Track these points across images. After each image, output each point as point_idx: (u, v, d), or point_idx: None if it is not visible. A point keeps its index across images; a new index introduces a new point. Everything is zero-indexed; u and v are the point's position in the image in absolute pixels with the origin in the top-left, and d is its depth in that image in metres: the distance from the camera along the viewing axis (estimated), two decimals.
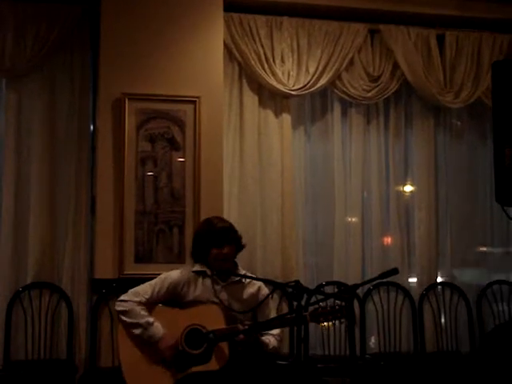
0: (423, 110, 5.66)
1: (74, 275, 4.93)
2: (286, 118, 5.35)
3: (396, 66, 5.48)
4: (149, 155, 4.88)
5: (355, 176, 5.50)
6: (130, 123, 4.84)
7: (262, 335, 3.62)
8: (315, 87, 5.32)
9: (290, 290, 4.72)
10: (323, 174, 5.53)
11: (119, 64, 4.87)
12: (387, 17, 5.43)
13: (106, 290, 4.73)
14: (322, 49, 5.34)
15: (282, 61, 5.28)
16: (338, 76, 5.38)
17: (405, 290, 5.42)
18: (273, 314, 3.79)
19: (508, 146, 3.45)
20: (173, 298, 3.70)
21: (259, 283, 3.80)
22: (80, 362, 4.81)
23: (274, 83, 5.24)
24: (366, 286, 5.27)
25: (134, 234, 4.80)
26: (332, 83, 5.40)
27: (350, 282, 5.17)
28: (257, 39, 5.23)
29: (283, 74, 5.27)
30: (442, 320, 5.49)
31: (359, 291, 5.24)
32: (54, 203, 4.97)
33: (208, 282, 3.70)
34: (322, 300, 3.45)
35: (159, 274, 3.80)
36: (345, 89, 5.41)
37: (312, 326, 5.07)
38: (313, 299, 4.54)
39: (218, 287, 3.69)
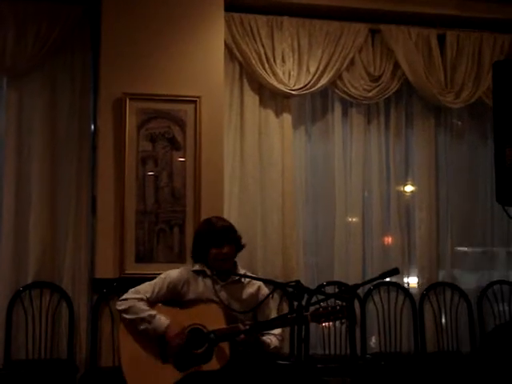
0: (424, 110, 5.66)
1: (75, 275, 4.93)
2: (287, 117, 5.35)
3: (397, 65, 5.48)
4: (149, 155, 4.88)
5: (356, 176, 5.50)
6: (130, 123, 4.85)
7: (263, 335, 3.62)
8: (316, 87, 5.32)
9: (291, 289, 4.72)
10: (324, 174, 5.53)
11: (120, 64, 4.87)
12: (388, 17, 5.43)
13: (107, 290, 4.74)
14: (322, 49, 5.34)
15: (283, 61, 5.28)
16: (338, 76, 5.38)
17: (405, 290, 5.42)
18: (273, 314, 3.79)
19: (509, 146, 3.45)
20: (173, 297, 3.70)
21: (259, 283, 3.80)
22: (81, 361, 4.81)
23: (275, 83, 5.24)
24: (367, 286, 5.27)
25: (134, 234, 4.80)
26: (333, 83, 5.40)
27: (351, 282, 5.16)
28: (257, 39, 5.23)
29: (284, 73, 5.27)
30: (443, 320, 5.49)
31: (360, 291, 5.24)
32: (54, 203, 4.98)
33: (208, 281, 3.70)
34: (322, 300, 3.46)
35: (160, 274, 3.79)
36: (345, 89, 5.41)
37: (312, 325, 5.08)
38: (313, 299, 4.53)
39: (217, 287, 3.69)
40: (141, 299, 3.64)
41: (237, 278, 3.74)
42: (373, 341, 5.40)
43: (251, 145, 5.27)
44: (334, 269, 5.40)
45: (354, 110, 5.55)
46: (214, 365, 3.47)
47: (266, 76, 5.22)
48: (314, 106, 5.55)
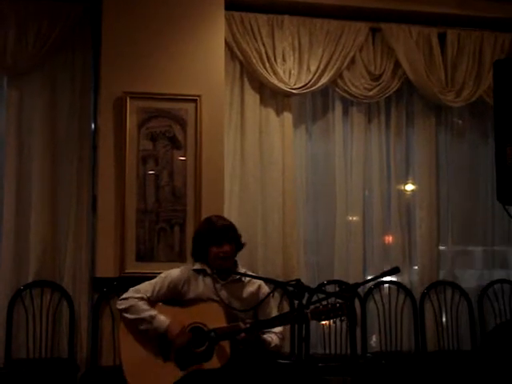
0: (424, 109, 5.66)
1: (76, 274, 4.93)
2: (288, 116, 5.35)
3: (397, 64, 5.48)
4: (150, 154, 4.88)
5: (356, 175, 5.50)
6: (131, 122, 4.84)
7: (264, 333, 3.62)
8: (316, 86, 5.32)
9: (291, 288, 4.72)
10: (324, 173, 5.53)
11: (120, 63, 4.87)
12: (389, 15, 5.43)
13: (108, 289, 4.74)
14: (323, 47, 5.34)
15: (284, 59, 5.28)
16: (339, 75, 5.38)
17: (406, 289, 5.42)
18: (274, 313, 3.79)
19: (509, 145, 3.45)
20: (173, 296, 3.70)
21: (259, 282, 3.80)
22: (81, 360, 4.82)
23: (276, 82, 5.23)
24: (367, 285, 5.27)
25: (135, 233, 4.80)
26: (333, 82, 5.39)
27: (351, 281, 5.16)
28: (258, 38, 5.23)
29: (284, 72, 5.27)
30: (444, 319, 5.49)
31: (360, 290, 5.23)
32: (55, 202, 4.98)
33: (208, 280, 3.71)
34: (323, 299, 3.46)
35: (160, 273, 3.80)
36: (346, 87, 5.40)
37: (313, 324, 5.08)
38: (314, 298, 4.53)
39: (218, 285, 3.69)
40: (141, 298, 3.64)
41: (237, 276, 3.75)
42: (373, 340, 5.40)
43: (252, 144, 5.27)
44: (334, 268, 5.40)
45: (354, 108, 5.54)
46: (214, 363, 3.47)
47: (266, 75, 5.22)
48: (314, 105, 5.55)
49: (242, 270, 3.79)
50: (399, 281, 5.38)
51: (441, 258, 5.60)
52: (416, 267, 5.58)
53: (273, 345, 3.62)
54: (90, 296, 4.92)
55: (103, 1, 4.91)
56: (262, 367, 3.57)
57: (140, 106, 4.86)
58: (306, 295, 3.56)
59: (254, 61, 5.21)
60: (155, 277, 3.77)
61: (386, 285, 5.37)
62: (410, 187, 5.72)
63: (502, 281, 5.60)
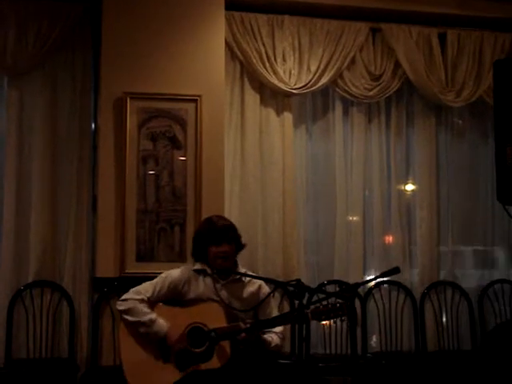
0: (425, 109, 5.66)
1: (76, 274, 4.93)
2: (288, 116, 5.35)
3: (397, 64, 5.48)
4: (150, 154, 4.88)
5: (356, 175, 5.50)
6: (131, 122, 4.84)
7: (264, 333, 3.62)
8: (317, 86, 5.32)
9: (292, 288, 4.72)
10: (324, 173, 5.53)
11: (120, 63, 4.87)
12: (389, 15, 5.43)
13: (108, 289, 4.74)
14: (323, 47, 5.34)
15: (284, 59, 5.28)
16: (339, 75, 5.38)
17: (406, 289, 5.42)
18: (274, 313, 3.79)
19: (509, 145, 3.45)
20: (174, 296, 3.70)
21: (260, 282, 3.80)
22: (81, 360, 4.81)
23: (276, 82, 5.23)
24: (368, 285, 5.28)
25: (135, 233, 4.80)
26: (333, 82, 5.39)
27: (352, 281, 5.17)
28: (258, 38, 5.23)
29: (285, 72, 5.27)
30: (444, 319, 5.49)
31: (360, 290, 5.24)
32: (55, 202, 4.98)
33: (209, 280, 3.71)
34: (323, 299, 3.46)
35: (160, 273, 3.80)
36: (346, 87, 5.41)
37: (313, 324, 5.08)
38: (314, 298, 4.53)
39: (218, 286, 3.69)
40: (141, 300, 3.64)
41: (237, 276, 3.75)
42: (374, 340, 5.40)
43: (252, 144, 5.27)
44: (334, 268, 5.40)
45: (354, 108, 5.55)
46: (214, 363, 3.47)
47: (266, 75, 5.22)
48: (314, 105, 5.55)
49: (243, 270, 3.79)
50: (399, 281, 5.37)
51: (441, 258, 5.60)
52: (416, 267, 5.58)
53: (273, 344, 3.62)
54: (90, 296, 4.92)
55: (103, 1, 4.91)
56: (263, 367, 3.57)
57: (140, 106, 4.86)
58: (307, 295, 3.55)
59: (254, 61, 5.21)
60: (155, 277, 3.77)
61: (386, 285, 5.37)
62: (410, 187, 5.73)
63: (502, 281, 5.61)
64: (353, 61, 5.42)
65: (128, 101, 4.83)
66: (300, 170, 5.44)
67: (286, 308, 5.08)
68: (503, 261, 5.76)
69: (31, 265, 4.86)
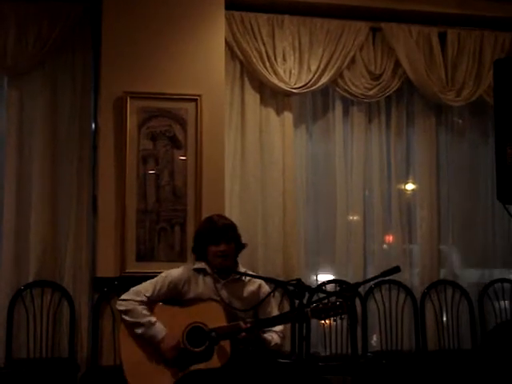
0: (425, 109, 5.66)
1: (76, 274, 4.93)
2: (288, 116, 5.35)
3: (398, 64, 5.48)
4: (150, 153, 4.88)
5: (357, 174, 5.50)
6: (131, 122, 4.84)
7: (264, 332, 3.62)
8: (317, 85, 5.32)
9: (292, 288, 4.72)
10: (325, 173, 5.53)
11: (120, 63, 4.87)
12: (389, 15, 5.43)
13: (108, 289, 4.74)
14: (323, 47, 5.34)
15: (284, 59, 5.28)
16: (339, 74, 5.38)
17: (406, 289, 5.42)
18: (275, 312, 3.79)
19: (510, 145, 3.45)
20: (174, 296, 3.70)
21: (260, 281, 3.80)
22: (82, 360, 4.81)
23: (276, 81, 5.23)
24: (368, 285, 5.27)
25: (135, 233, 4.80)
26: (334, 81, 5.39)
27: (352, 281, 5.18)
28: (258, 37, 5.23)
29: (285, 72, 5.27)
30: (444, 318, 5.49)
31: (361, 289, 5.23)
32: (55, 202, 4.98)
33: (209, 279, 3.71)
34: (323, 298, 3.46)
35: (161, 273, 3.80)
36: (346, 87, 5.40)
37: (314, 324, 5.08)
38: (314, 297, 4.53)
39: (218, 285, 3.69)
40: (141, 302, 3.63)
41: (237, 276, 3.75)
42: (374, 339, 5.40)
43: (252, 143, 5.27)
44: (334, 267, 5.40)
45: (354, 108, 5.55)
46: (214, 363, 3.47)
47: (266, 74, 5.22)
48: (314, 105, 5.55)
49: (243, 270, 3.79)
50: (400, 280, 5.37)
51: (441, 257, 5.60)
52: (417, 266, 5.58)
53: (273, 344, 3.62)
54: (90, 296, 4.92)
55: (103, 1, 4.91)
56: (263, 366, 3.57)
57: (140, 105, 4.86)
58: (307, 295, 3.55)
59: (255, 60, 5.21)
60: (155, 276, 3.77)
61: (387, 284, 5.37)
62: (410, 187, 5.73)
63: (502, 280, 5.61)
64: (353, 60, 5.42)
65: (128, 100, 4.83)
66: (300, 170, 5.44)
67: (287, 308, 5.08)
68: (503, 260, 5.76)
69: (31, 265, 4.87)
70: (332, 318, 3.43)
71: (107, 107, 4.86)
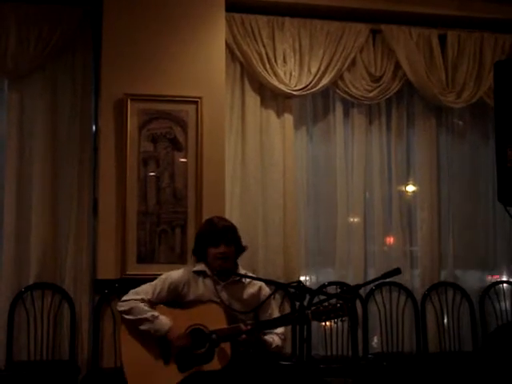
0: (425, 110, 5.66)
1: (77, 276, 4.94)
2: (288, 118, 5.35)
3: (398, 66, 5.48)
4: (151, 155, 4.88)
5: (357, 176, 5.50)
6: (132, 124, 4.85)
7: (265, 334, 3.62)
8: (317, 87, 5.32)
9: (292, 290, 4.72)
10: (325, 175, 5.53)
11: (121, 65, 4.87)
12: (389, 17, 5.43)
13: (109, 291, 4.74)
14: (323, 49, 5.34)
15: (284, 61, 5.28)
16: (339, 76, 5.38)
17: (407, 290, 5.42)
18: (275, 314, 3.78)
19: (510, 146, 3.45)
20: (174, 298, 3.70)
21: (260, 283, 3.80)
22: (82, 362, 4.82)
23: (276, 83, 5.24)
24: (369, 287, 5.27)
25: (136, 235, 4.80)
26: (334, 83, 5.40)
27: (353, 283, 5.18)
28: (259, 39, 5.23)
29: (285, 74, 5.27)
30: (445, 320, 5.49)
31: (362, 291, 5.24)
32: (56, 204, 4.98)
33: (209, 281, 3.71)
34: (324, 300, 3.46)
35: (161, 275, 3.80)
36: (347, 89, 5.41)
37: (314, 326, 5.08)
38: (315, 299, 4.53)
39: (218, 287, 3.69)
40: (142, 300, 3.64)
41: (237, 278, 3.74)
42: (375, 341, 5.40)
43: (252, 145, 5.27)
44: (335, 269, 5.40)
45: (355, 110, 5.55)
46: (215, 365, 3.47)
47: (267, 76, 5.22)
48: (315, 107, 5.56)
49: (243, 272, 3.79)
50: (400, 282, 5.37)
51: (442, 259, 5.59)
52: (417, 268, 5.57)
53: (274, 346, 3.62)
54: (90, 298, 4.92)
55: (104, 3, 4.91)
56: (263, 369, 3.57)
57: (141, 107, 4.86)
58: (308, 297, 3.55)
59: (255, 62, 5.21)
60: (156, 278, 3.77)
61: (388, 286, 5.37)
62: (410, 188, 5.73)
63: (503, 282, 5.61)
64: (353, 62, 5.42)
65: (128, 102, 4.83)
66: (300, 172, 5.44)
67: (287, 310, 5.08)
68: (504, 262, 5.76)
69: (32, 267, 4.87)
70: (333, 320, 3.43)
71: (108, 109, 4.86)
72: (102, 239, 4.81)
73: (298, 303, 3.46)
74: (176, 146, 4.91)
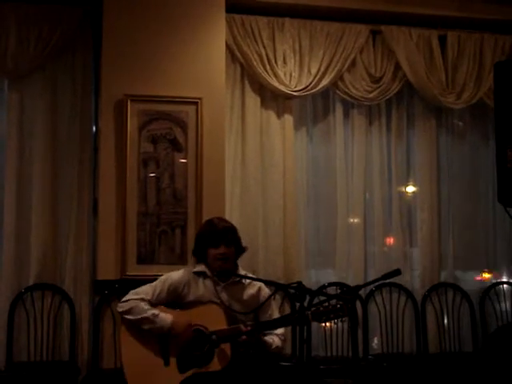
0: (425, 111, 5.66)
1: (77, 276, 4.93)
2: (288, 118, 5.35)
3: (398, 66, 5.48)
4: (151, 156, 4.88)
5: (357, 177, 5.50)
6: (132, 124, 4.85)
7: (265, 335, 3.62)
8: (317, 88, 5.32)
9: (293, 291, 4.72)
10: (325, 175, 5.53)
11: (121, 65, 4.87)
12: (389, 18, 5.44)
13: (109, 291, 4.73)
14: (323, 50, 5.34)
15: (284, 62, 5.28)
16: (339, 77, 5.38)
17: (407, 291, 5.41)
18: (275, 315, 3.78)
19: (510, 147, 3.45)
20: (174, 299, 3.71)
21: (259, 284, 3.80)
22: (82, 363, 4.81)
23: (276, 84, 5.24)
24: (369, 287, 5.27)
25: (136, 235, 4.80)
26: (334, 84, 5.40)
27: (353, 283, 5.18)
28: (259, 40, 5.23)
29: (285, 75, 5.27)
30: (445, 321, 5.49)
31: (362, 292, 5.23)
32: (56, 204, 4.98)
33: (209, 282, 3.71)
34: (324, 301, 3.46)
35: (161, 275, 3.80)
36: (347, 90, 5.41)
37: (314, 327, 5.08)
38: (315, 300, 4.53)
39: (218, 288, 3.69)
40: (142, 300, 3.64)
41: (237, 278, 3.74)
42: (375, 342, 5.40)
43: (252, 146, 5.27)
44: (335, 270, 5.40)
45: (355, 111, 5.55)
46: (215, 366, 3.47)
47: (267, 77, 5.22)
48: (315, 107, 5.55)
49: (243, 273, 3.79)
50: (400, 283, 5.37)
51: (442, 260, 5.59)
52: (417, 269, 5.57)
53: (274, 346, 3.62)
54: (90, 298, 4.92)
55: (104, 4, 4.91)
56: (263, 369, 3.57)
57: (141, 108, 4.86)
58: (308, 298, 3.55)
59: (255, 63, 5.21)
60: (156, 279, 3.77)
61: (388, 287, 5.37)
62: (410, 189, 5.73)
63: (503, 283, 5.61)
64: (353, 63, 5.42)
65: (129, 103, 4.83)
66: (300, 173, 5.44)
67: (287, 310, 5.07)
68: (504, 262, 5.75)
69: (32, 267, 4.86)
70: (333, 321, 3.43)
71: (108, 110, 4.86)
72: (102, 240, 4.81)
73: (298, 304, 3.46)
74: (176, 146, 4.91)
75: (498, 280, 5.65)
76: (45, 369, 4.69)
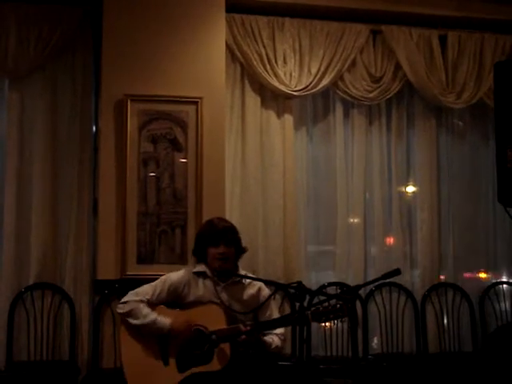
0: (425, 111, 5.66)
1: (77, 276, 4.93)
2: (288, 118, 5.35)
3: (398, 66, 5.48)
4: (151, 156, 4.88)
5: (357, 177, 5.50)
6: (132, 124, 4.85)
7: (265, 335, 3.62)
8: (317, 88, 5.32)
9: (292, 291, 4.72)
10: (325, 175, 5.53)
11: (121, 65, 4.88)
12: (389, 17, 5.44)
13: (109, 291, 4.74)
14: (323, 49, 5.34)
15: (284, 61, 5.28)
16: (340, 77, 5.38)
17: (407, 291, 5.41)
18: (275, 315, 3.78)
19: (510, 147, 3.45)
20: (174, 299, 3.71)
21: (259, 284, 3.80)
22: (82, 363, 4.82)
23: (276, 84, 5.24)
24: (369, 287, 5.27)
25: (136, 235, 4.80)
26: (334, 84, 5.40)
27: (353, 283, 5.18)
28: (259, 40, 5.23)
29: (285, 74, 5.27)
30: (445, 321, 5.49)
31: (362, 292, 5.23)
32: (56, 204, 4.98)
33: (209, 282, 3.71)
34: (324, 301, 3.46)
35: (161, 275, 3.80)
36: (347, 89, 5.41)
37: (314, 326, 5.08)
38: (315, 300, 4.53)
39: (219, 288, 3.69)
40: (141, 301, 3.64)
41: (237, 278, 3.74)
42: (375, 342, 5.40)
43: (253, 146, 5.27)
44: (335, 270, 5.40)
45: (355, 110, 5.55)
46: (214, 365, 3.47)
47: (267, 77, 5.22)
48: (315, 107, 5.55)
49: (243, 273, 3.79)
50: (400, 283, 5.37)
51: (442, 260, 5.59)
52: (417, 269, 5.57)
53: (274, 346, 3.62)
54: (90, 298, 4.92)
55: (104, 4, 4.91)
56: (263, 369, 3.57)
57: (141, 108, 4.86)
58: (308, 297, 3.55)
59: (255, 63, 5.21)
60: (156, 279, 3.77)
61: (387, 287, 5.37)
62: (410, 189, 5.73)
63: (503, 283, 5.61)
64: (353, 63, 5.42)
65: (129, 103, 4.83)
66: (301, 172, 5.44)
67: (287, 310, 5.08)
68: (504, 262, 5.75)
69: (32, 267, 4.87)
70: (333, 321, 3.43)
71: (108, 110, 4.86)
72: (102, 239, 4.81)
73: (297, 304, 3.46)
74: (176, 146, 4.91)
75: (498, 280, 5.64)
76: (45, 368, 4.69)
